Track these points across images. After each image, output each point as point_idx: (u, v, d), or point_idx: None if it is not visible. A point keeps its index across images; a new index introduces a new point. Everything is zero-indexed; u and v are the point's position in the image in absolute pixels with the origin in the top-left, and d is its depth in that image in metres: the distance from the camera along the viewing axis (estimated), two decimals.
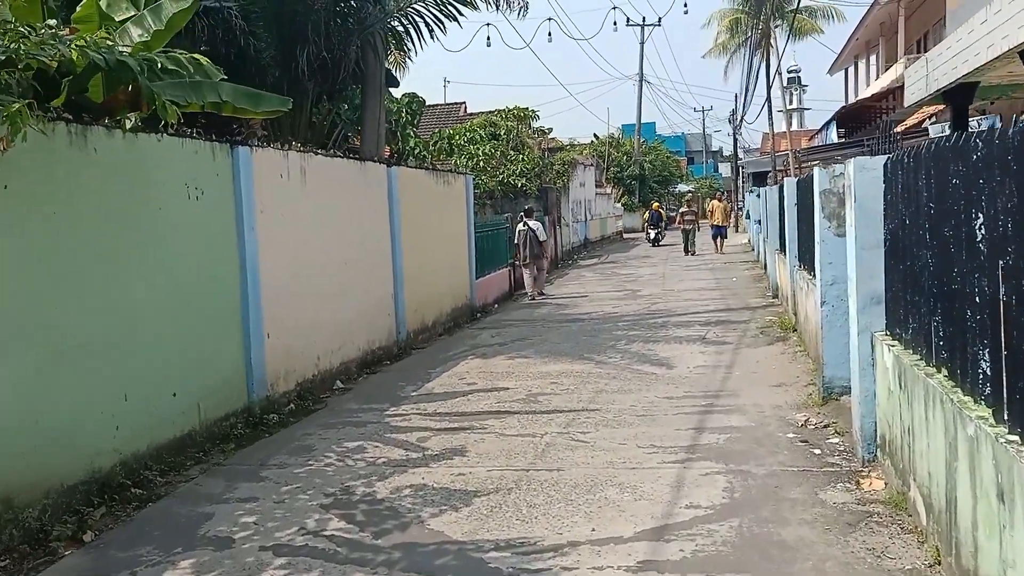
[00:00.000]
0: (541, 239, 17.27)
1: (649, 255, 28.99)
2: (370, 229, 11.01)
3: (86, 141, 5.95)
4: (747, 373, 8.86)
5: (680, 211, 31.22)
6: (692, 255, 26.76)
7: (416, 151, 15.09)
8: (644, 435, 6.63)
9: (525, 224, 17.30)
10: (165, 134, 6.88)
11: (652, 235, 33.43)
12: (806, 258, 9.62)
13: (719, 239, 28.07)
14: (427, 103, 31.03)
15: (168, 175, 6.94)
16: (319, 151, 9.80)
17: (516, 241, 17.50)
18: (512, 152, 26.64)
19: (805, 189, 9.52)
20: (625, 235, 43.06)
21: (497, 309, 16.61)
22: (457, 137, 26.87)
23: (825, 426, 6.54)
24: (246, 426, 7.73)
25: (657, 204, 39.63)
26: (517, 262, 17.79)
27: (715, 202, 30.30)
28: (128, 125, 6.38)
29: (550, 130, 41.56)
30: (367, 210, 10.97)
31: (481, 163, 25.81)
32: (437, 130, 17.10)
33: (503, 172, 25.97)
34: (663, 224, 34.97)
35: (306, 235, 9.21)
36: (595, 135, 49.31)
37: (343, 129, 13.28)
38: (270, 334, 8.32)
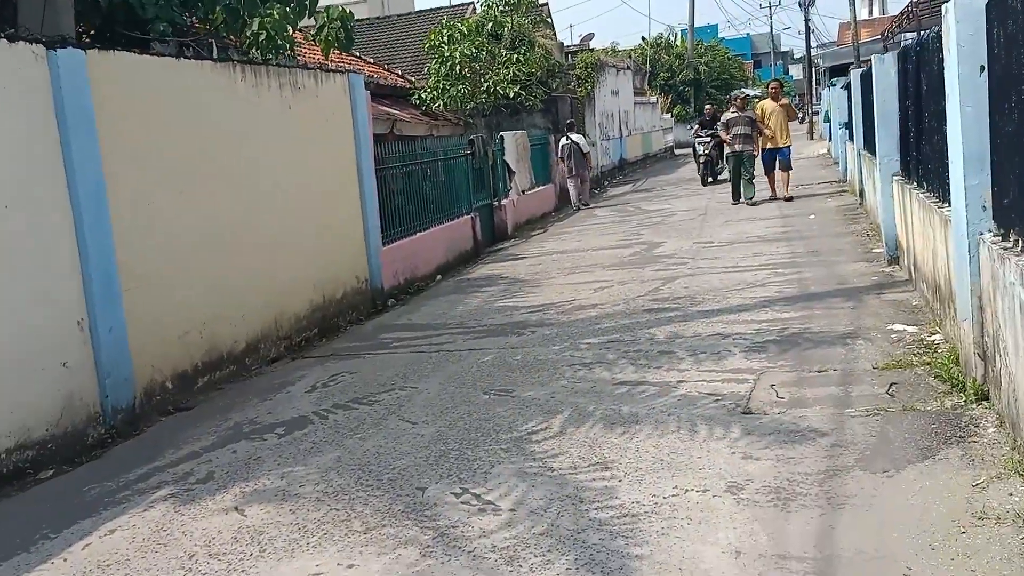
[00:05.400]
0: (585, 151, 17.59)
1: (698, 178, 21.60)
2: None
3: None
4: None
5: (723, 120, 15.37)
6: (748, 203, 14.45)
7: (262, 39, 8.62)
8: None
9: (568, 138, 17.51)
10: None
11: (700, 151, 19.60)
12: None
13: (776, 172, 14.75)
14: (429, 7, 24.54)
15: None
16: None
17: (559, 155, 17.65)
18: (505, 53, 19.80)
19: None
20: (677, 151, 35.61)
21: (431, 287, 10.38)
22: (434, 37, 20.23)
23: None
24: None
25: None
26: (563, 174, 17.84)
27: (767, 102, 15.01)
28: None
29: (591, 36, 34.35)
30: None
31: (458, 68, 19.10)
32: (323, 9, 10.55)
33: (489, 79, 19.18)
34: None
35: None
36: (643, 38, 41.52)
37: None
38: None
